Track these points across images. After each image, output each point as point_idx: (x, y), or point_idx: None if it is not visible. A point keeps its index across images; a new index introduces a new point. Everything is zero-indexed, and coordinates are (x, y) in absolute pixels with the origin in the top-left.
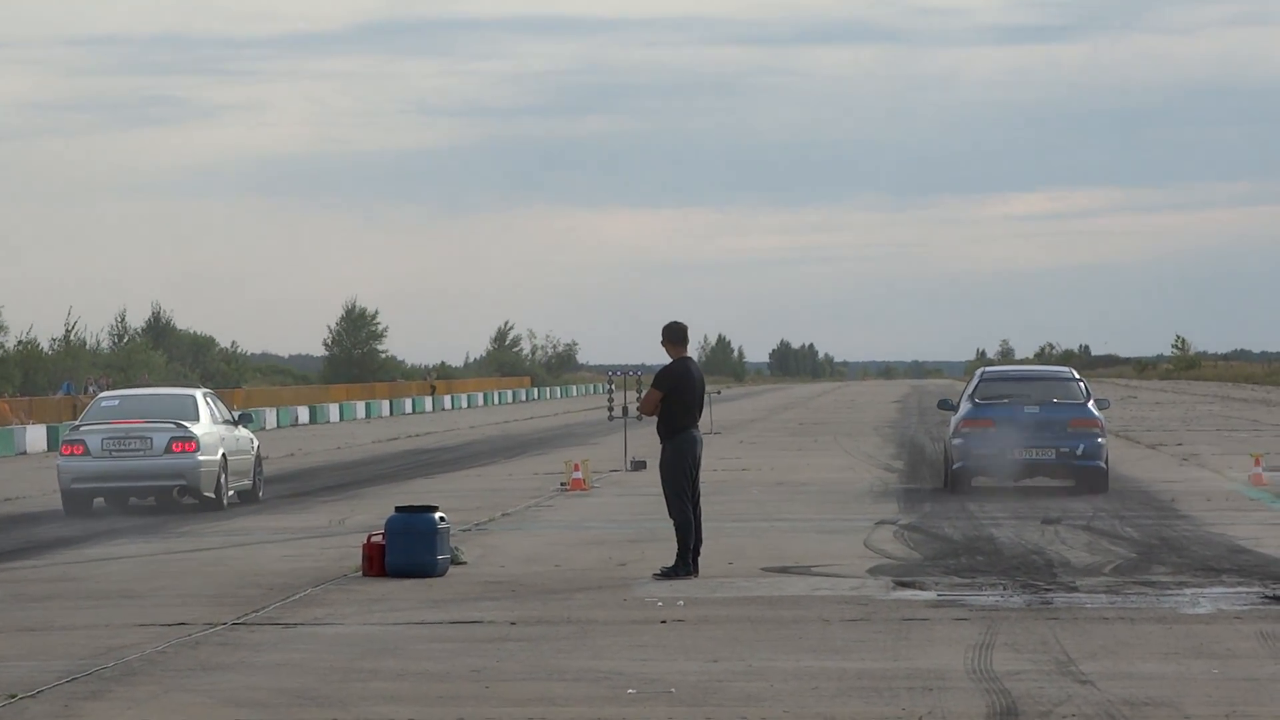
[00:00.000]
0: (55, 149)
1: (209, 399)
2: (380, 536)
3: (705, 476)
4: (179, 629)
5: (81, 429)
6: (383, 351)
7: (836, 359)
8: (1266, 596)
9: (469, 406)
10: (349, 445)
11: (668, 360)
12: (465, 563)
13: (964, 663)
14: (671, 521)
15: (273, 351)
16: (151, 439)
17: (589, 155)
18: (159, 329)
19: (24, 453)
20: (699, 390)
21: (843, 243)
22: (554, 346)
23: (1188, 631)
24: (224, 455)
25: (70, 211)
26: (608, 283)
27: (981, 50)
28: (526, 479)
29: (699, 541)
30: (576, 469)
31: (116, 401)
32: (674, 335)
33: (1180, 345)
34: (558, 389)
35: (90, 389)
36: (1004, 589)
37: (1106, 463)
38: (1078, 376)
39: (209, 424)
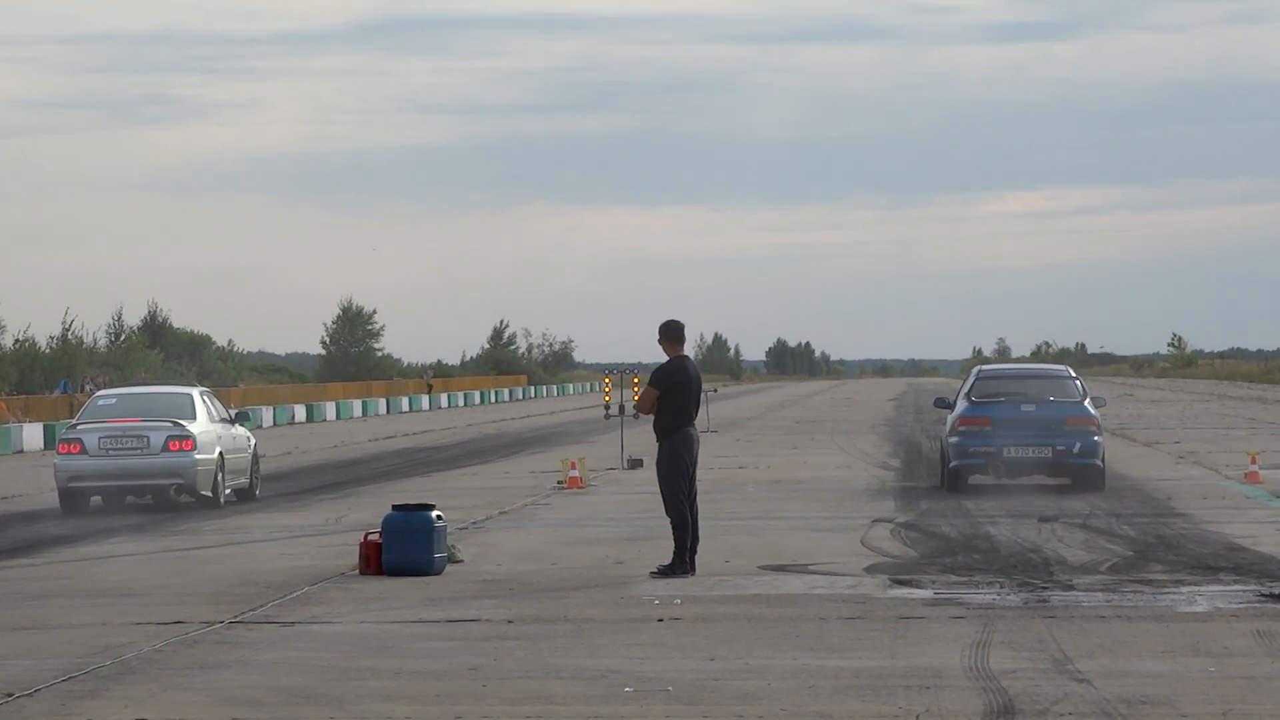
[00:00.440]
0: (51, 147)
1: (206, 397)
2: (377, 535)
3: (702, 475)
4: (176, 627)
5: (78, 427)
6: (379, 350)
7: (833, 357)
8: (1263, 595)
9: (465, 405)
10: (346, 444)
11: (665, 358)
12: (462, 561)
13: (961, 661)
14: (668, 520)
15: (269, 350)
16: (148, 438)
17: (585, 153)
18: (155, 327)
19: (20, 451)
20: (696, 389)
21: (839, 241)
22: (550, 345)
23: (1184, 630)
24: (221, 454)
25: (67, 210)
26: (604, 281)
27: (977, 48)
28: (523, 477)
29: (696, 540)
30: (573, 467)
31: (113, 400)
32: (671, 333)
33: (1176, 343)
34: (554, 387)
35: (87, 387)
36: (1001, 587)
37: (1103, 461)
38: (1074, 375)
39: (206, 422)
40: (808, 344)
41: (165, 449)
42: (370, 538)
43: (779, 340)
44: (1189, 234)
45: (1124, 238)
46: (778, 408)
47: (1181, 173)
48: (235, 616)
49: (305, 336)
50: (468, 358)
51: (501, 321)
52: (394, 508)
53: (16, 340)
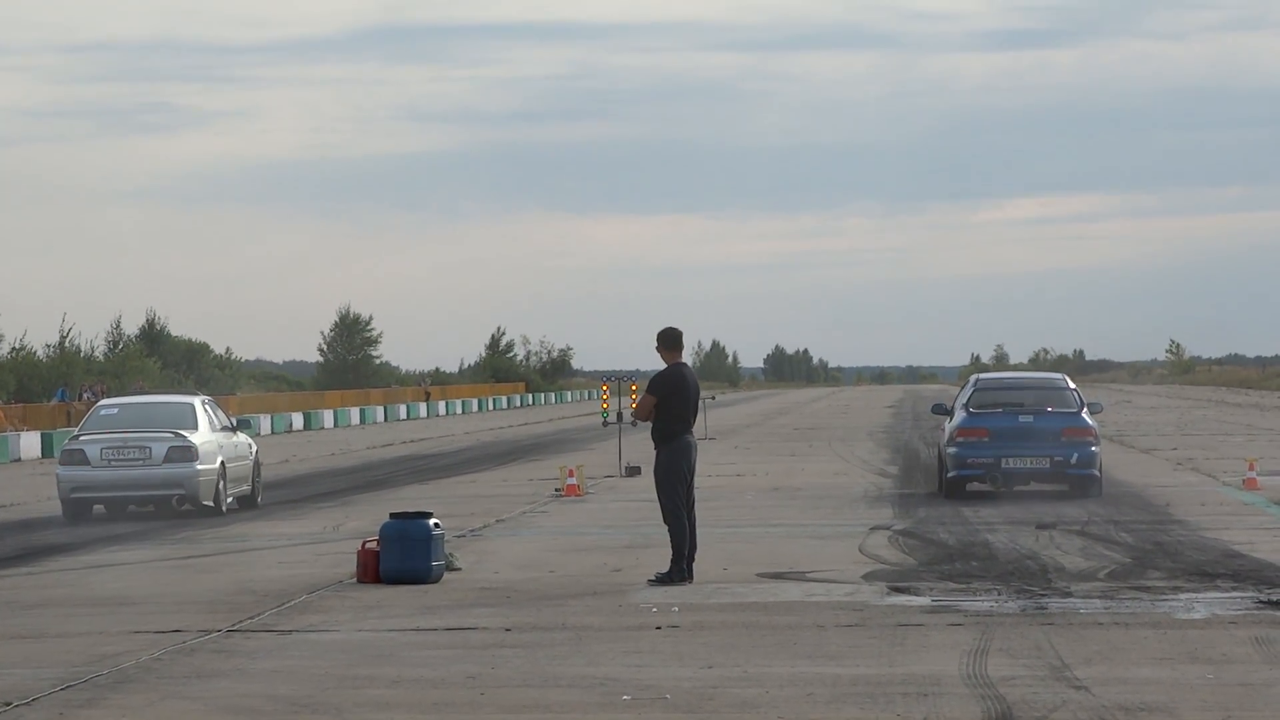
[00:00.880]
0: (49, 155)
1: (207, 406)
2: (375, 543)
3: (700, 482)
4: (174, 636)
5: (80, 438)
6: (377, 358)
7: (831, 364)
8: (1261, 601)
9: (463, 412)
10: (343, 451)
11: (662, 366)
12: (460, 569)
13: (959, 668)
14: (666, 527)
15: (267, 358)
16: (150, 448)
17: (583, 161)
18: (153, 335)
19: (18, 459)
20: (693, 396)
21: (837, 248)
22: (548, 352)
23: (1182, 637)
24: (222, 463)
25: (64, 218)
26: (602, 289)
27: (974, 56)
28: (521, 485)
29: (694, 547)
30: (571, 475)
31: (115, 410)
32: (668, 341)
33: (1175, 350)
34: (552, 395)
35: (85, 396)
36: (999, 594)
37: (1100, 471)
38: (1071, 385)
39: (207, 432)
40: (805, 351)
41: (167, 460)
42: (368, 546)
43: (777, 347)
44: (1187, 241)
45: (1122, 244)
46: (775, 415)
47: (1179, 180)
48: (233, 625)
49: (303, 344)
50: (465, 365)
51: (499, 329)
52: (391, 516)
53: (14, 348)
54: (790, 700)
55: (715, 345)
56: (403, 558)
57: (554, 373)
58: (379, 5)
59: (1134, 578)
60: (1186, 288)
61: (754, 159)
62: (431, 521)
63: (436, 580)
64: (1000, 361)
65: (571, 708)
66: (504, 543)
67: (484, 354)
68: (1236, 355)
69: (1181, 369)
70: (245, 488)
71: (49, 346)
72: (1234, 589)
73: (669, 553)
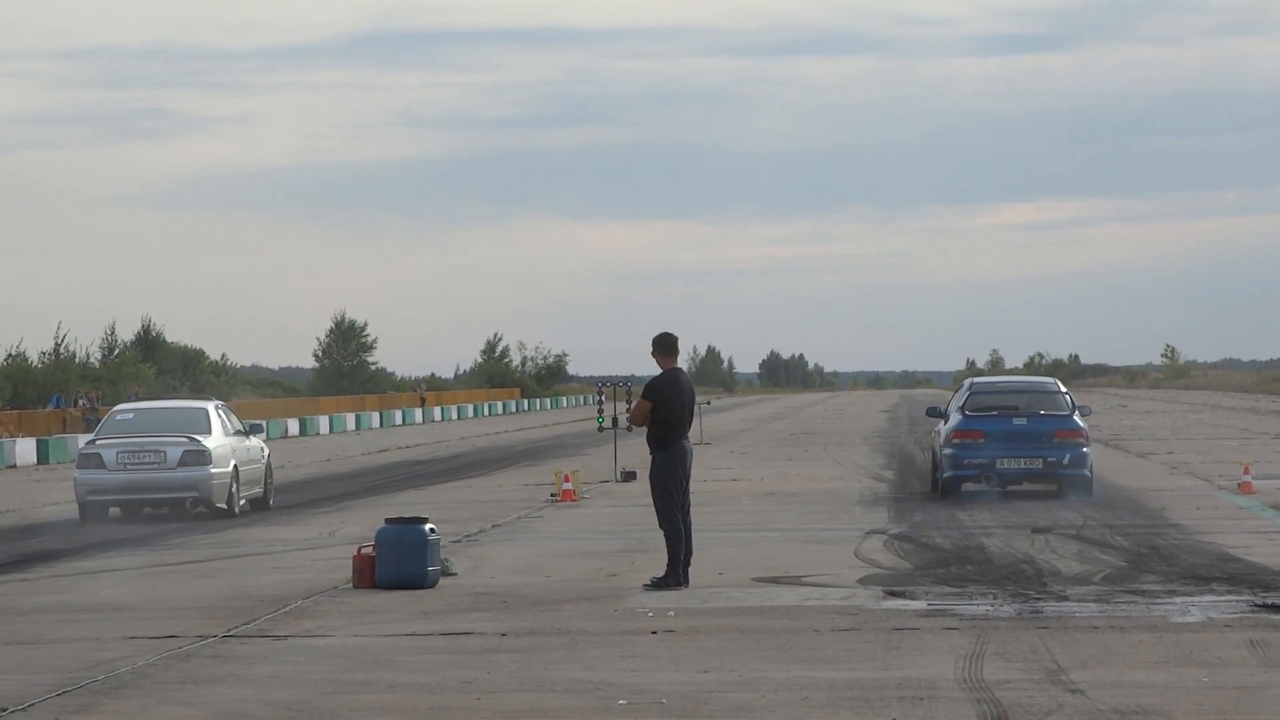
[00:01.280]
0: (44, 161)
1: (220, 411)
2: (370, 548)
3: (696, 487)
4: (169, 641)
5: (97, 442)
6: (372, 363)
7: (826, 369)
8: (1256, 605)
9: (459, 418)
10: (339, 457)
11: (658, 371)
12: (455, 574)
13: (954, 672)
14: (662, 532)
15: (263, 364)
16: (165, 452)
17: (578, 166)
18: (149, 342)
19: (14, 466)
20: (689, 401)
21: (832, 253)
22: (544, 358)
23: (1178, 640)
24: (235, 466)
25: (60, 224)
26: (597, 294)
27: (969, 60)
28: (516, 490)
29: (689, 552)
30: (566, 480)
31: (131, 415)
32: (664, 346)
33: (1170, 354)
34: (548, 400)
35: (81, 402)
36: (994, 598)
37: (1091, 471)
38: (1063, 389)
39: (220, 436)
40: (801, 356)
41: (181, 463)
42: (364, 551)
43: (772, 352)
44: (1182, 246)
45: (1117, 249)
46: (771, 420)
47: (1174, 184)
48: (228, 630)
49: (298, 350)
50: (461, 371)
51: (495, 334)
52: (387, 521)
53: (9, 355)
54: (786, 704)
55: (711, 350)
56: (399, 563)
57: (549, 378)
58: (375, 10)
59: (1129, 581)
60: (1182, 292)
61: (750, 163)
62: (427, 527)
63: (432, 585)
64: (995, 366)
65: (567, 713)
66: (500, 548)
67: (479, 359)
68: (1232, 359)
69: (1177, 373)
70: (258, 490)
71: (44, 353)
72: (1229, 592)
73: (665, 557)
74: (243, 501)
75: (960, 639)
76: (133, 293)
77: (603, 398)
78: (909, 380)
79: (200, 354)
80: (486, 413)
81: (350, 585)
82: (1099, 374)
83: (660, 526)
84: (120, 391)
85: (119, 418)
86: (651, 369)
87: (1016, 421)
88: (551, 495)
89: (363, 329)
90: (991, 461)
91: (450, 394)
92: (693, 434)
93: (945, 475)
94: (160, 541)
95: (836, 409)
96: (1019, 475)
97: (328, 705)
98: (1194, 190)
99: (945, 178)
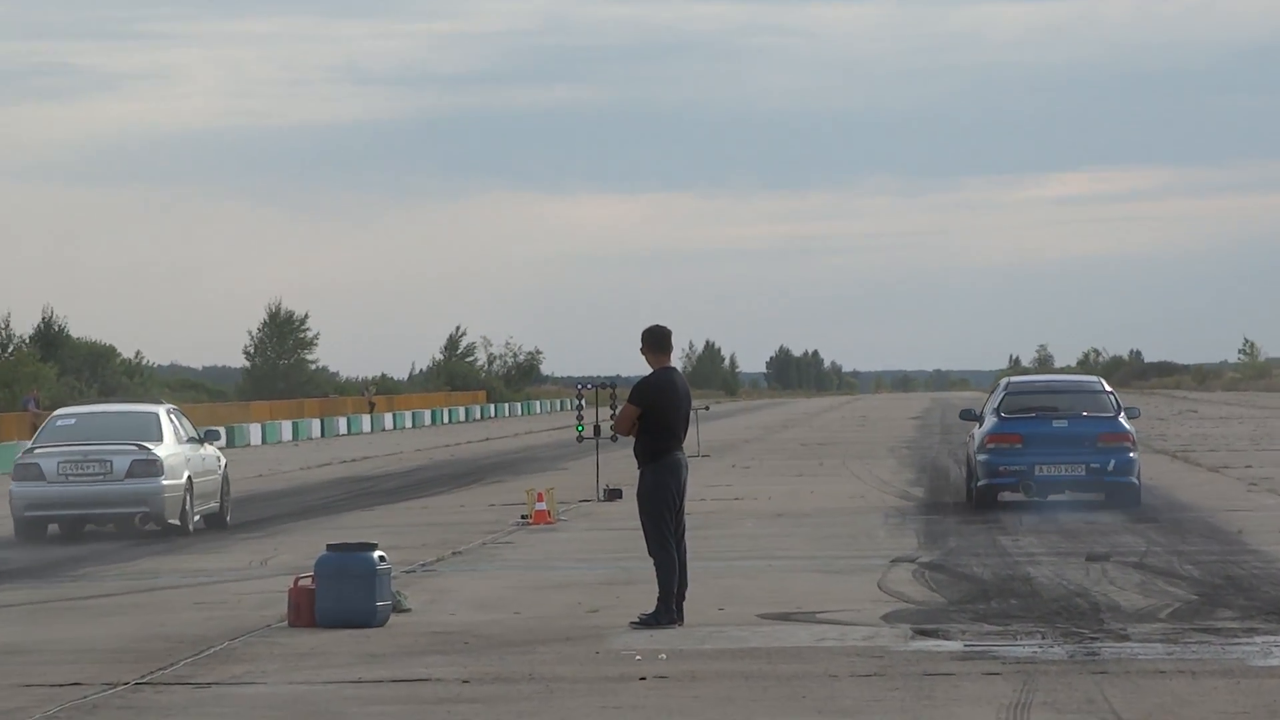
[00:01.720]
0: None
1: (173, 416)
2: (309, 580)
3: (691, 507)
4: (72, 690)
5: (35, 451)
6: (313, 362)
7: (845, 368)
8: None
9: (414, 426)
10: (273, 472)
11: (647, 370)
12: (409, 610)
13: None
14: (651, 561)
15: (183, 363)
16: (111, 462)
17: (553, 131)
18: (50, 337)
19: None
20: (684, 406)
21: (852, 232)
22: (514, 356)
23: (1258, 687)
24: (189, 478)
25: None
26: (577, 281)
27: (1011, 5)
28: (481, 511)
29: (684, 584)
30: (540, 499)
31: (73, 420)
32: (655, 342)
33: (1248, 350)
34: (518, 405)
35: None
36: (1043, 638)
37: (1138, 478)
38: (1107, 388)
39: (173, 444)
40: (815, 353)
41: (130, 474)
42: (301, 583)
43: (781, 349)
44: (1262, 222)
45: (1186, 227)
46: (780, 428)
47: (1252, 150)
48: (142, 677)
49: (226, 347)
50: (417, 371)
51: (457, 329)
52: (329, 548)
53: None
54: None
55: (709, 346)
56: (342, 597)
57: (520, 380)
58: None
59: (1201, 618)
60: (1262, 277)
61: (754, 127)
62: (376, 554)
63: (382, 624)
64: (1044, 364)
65: None
66: (461, 579)
67: (438, 358)
68: None
69: (1256, 372)
70: (213, 505)
71: None
72: None
73: (655, 590)
74: (197, 517)
75: (1003, 686)
76: (31, 280)
77: (583, 402)
78: (942, 381)
79: (110, 351)
80: (447, 420)
81: (285, 623)
82: (1165, 373)
83: (650, 554)
84: (17, 395)
85: (59, 423)
86: (640, 368)
87: (1056, 424)
88: (522, 517)
89: (301, 322)
90: (1029, 468)
91: (404, 398)
92: (688, 444)
93: (980, 484)
94: (63, 572)
95: (857, 415)
96: (1060, 483)
97: None
98: (1272, 156)
99: (983, 143)
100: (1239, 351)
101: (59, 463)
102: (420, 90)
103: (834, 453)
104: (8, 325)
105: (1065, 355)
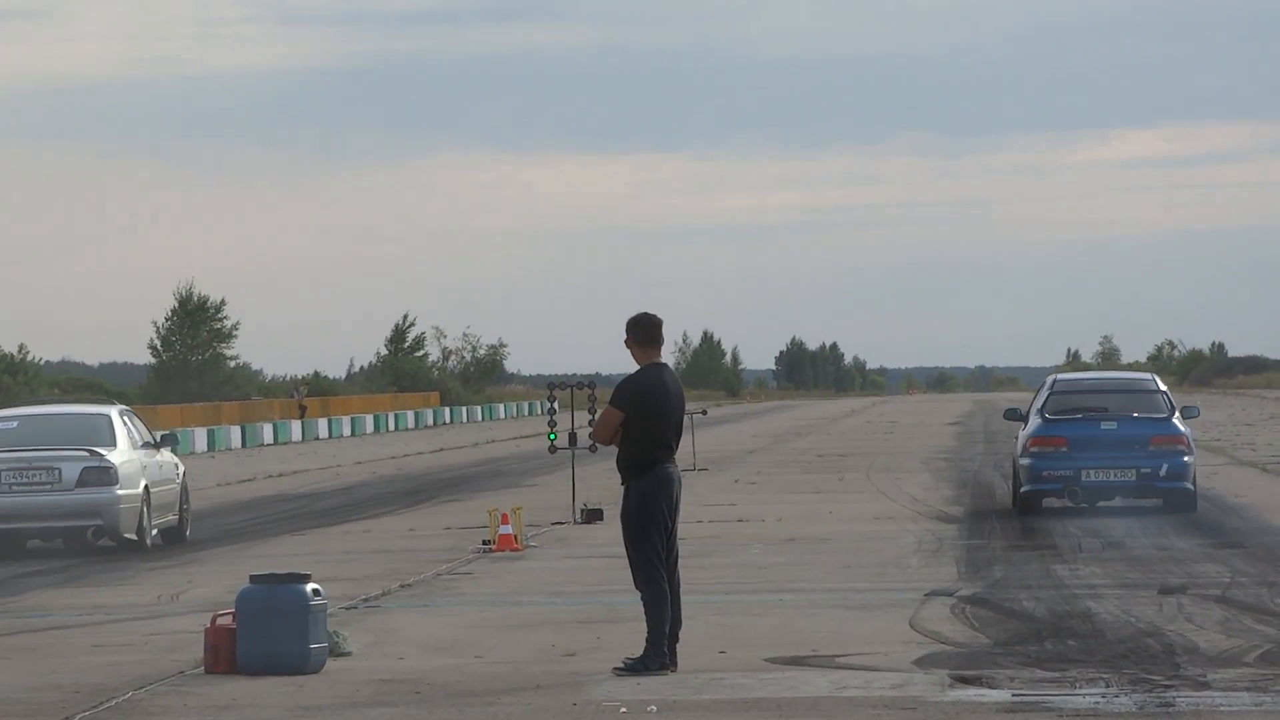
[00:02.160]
0: None
1: (126, 418)
2: (229, 618)
3: (686, 530)
4: None
5: None
6: (231, 358)
7: (869, 365)
8: None
9: (354, 434)
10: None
11: (634, 367)
12: (349, 653)
13: None
14: (639, 594)
15: (76, 359)
16: (60, 470)
17: (518, 80)
18: None
19: None
20: (676, 409)
21: (877, 201)
22: (473, 350)
23: None
24: (146, 487)
25: None
26: (547, 260)
27: None
28: (435, 535)
29: (677, 622)
30: (505, 521)
31: (14, 424)
32: (642, 333)
33: None
34: (478, 409)
35: None
36: (1107, 685)
37: (1194, 483)
38: (1161, 386)
39: (128, 450)
40: (833, 346)
41: (81, 484)
42: (220, 622)
43: (794, 341)
44: None
45: (1277, 194)
46: (792, 435)
47: None
48: None
49: (127, 341)
50: (356, 369)
51: (404, 319)
52: (253, 579)
53: None
54: None
55: (707, 338)
56: (269, 638)
57: (481, 378)
58: None
59: None
60: None
61: (760, 77)
62: (309, 587)
63: (317, 670)
64: (1108, 359)
65: None
66: (411, 617)
67: (383, 352)
68: None
69: None
70: (171, 518)
71: None
72: None
73: (643, 629)
74: (154, 531)
75: None
76: None
77: (555, 405)
78: (985, 380)
79: None
80: (393, 426)
81: (201, 669)
82: (1253, 369)
83: (636, 586)
84: None
85: (0, 426)
86: (624, 365)
87: (1105, 426)
88: (484, 543)
89: (217, 310)
90: (1076, 473)
91: (342, 400)
92: (682, 456)
93: (1023, 490)
94: None
95: (884, 420)
96: (1109, 489)
97: None
98: None
99: (1033, 94)
100: None
101: (1, 470)
102: (359, 32)
103: (857, 465)
104: None
105: (1134, 349)
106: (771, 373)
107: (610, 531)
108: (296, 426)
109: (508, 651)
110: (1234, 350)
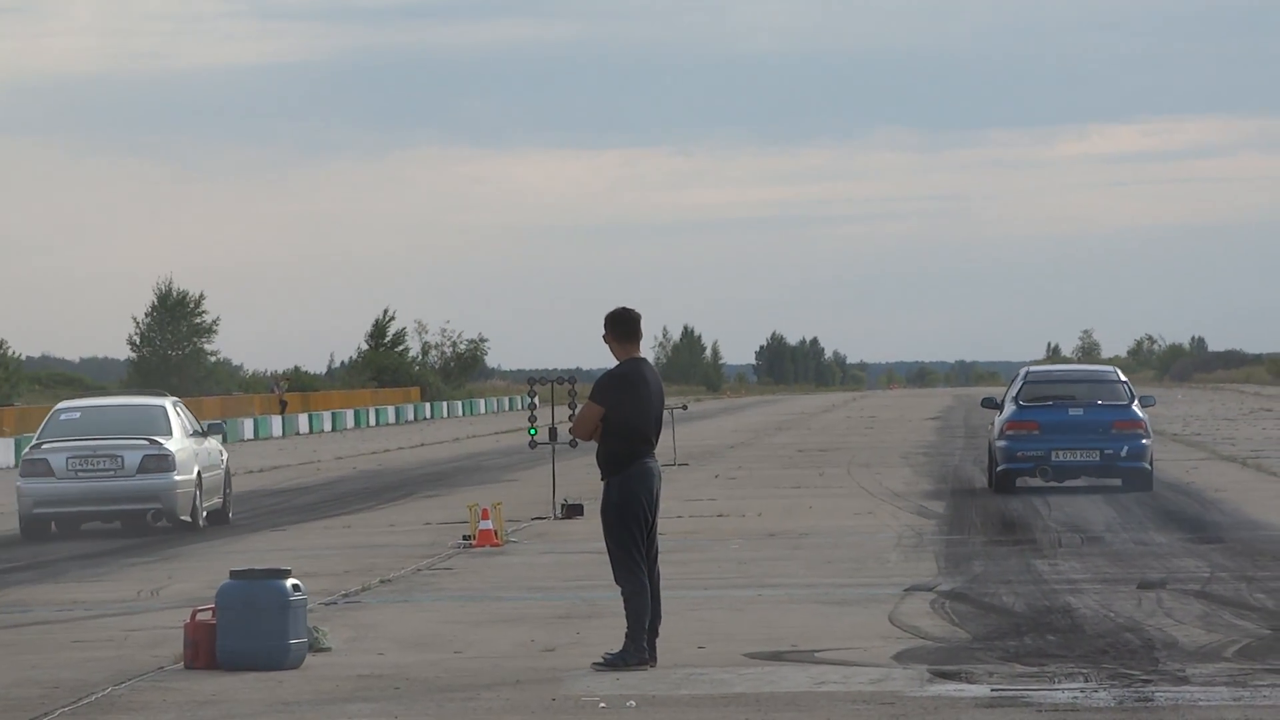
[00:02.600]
0: None
1: (179, 409)
2: (209, 613)
3: (666, 525)
4: None
5: (43, 446)
6: (212, 354)
7: (850, 359)
8: None
9: (334, 429)
10: None
11: (613, 362)
12: (329, 649)
13: None
14: (619, 589)
15: (57, 354)
16: (122, 457)
17: (497, 74)
18: None
19: None
20: (656, 404)
21: (857, 195)
22: (453, 345)
23: None
24: (199, 472)
25: None
26: (527, 256)
27: None
28: (415, 531)
29: (657, 617)
30: (485, 517)
31: (77, 414)
32: (621, 328)
33: None
34: (459, 404)
35: None
36: (1086, 680)
37: (1151, 464)
38: (1122, 377)
39: (182, 438)
40: (814, 341)
41: (142, 470)
42: (200, 617)
43: (774, 336)
44: None
45: (1256, 189)
46: (773, 430)
47: None
48: None
49: (107, 336)
50: (337, 364)
51: (384, 313)
52: (232, 574)
53: None
54: None
55: (688, 333)
56: (249, 633)
57: (461, 374)
58: None
59: (1274, 656)
60: None
61: (740, 70)
62: (289, 583)
63: (296, 665)
64: (1088, 353)
65: None
66: (391, 612)
67: (363, 348)
68: None
69: None
70: (217, 501)
71: None
72: None
73: (622, 625)
74: (204, 514)
75: None
76: None
77: (535, 400)
78: (966, 374)
79: None
80: (373, 421)
81: (181, 665)
82: (1232, 363)
83: (616, 582)
84: None
85: (64, 417)
86: (604, 360)
87: (1073, 412)
88: (464, 538)
89: (197, 305)
90: (1046, 454)
91: (322, 395)
92: (662, 450)
93: (999, 469)
94: None
95: (864, 415)
96: (1075, 468)
97: None
98: None
99: (1013, 89)
100: None
101: (68, 458)
102: (338, 27)
103: (837, 460)
104: None
105: (1114, 343)
106: (752, 367)
107: (590, 527)
108: (277, 422)
109: (487, 646)
110: (1214, 345)
